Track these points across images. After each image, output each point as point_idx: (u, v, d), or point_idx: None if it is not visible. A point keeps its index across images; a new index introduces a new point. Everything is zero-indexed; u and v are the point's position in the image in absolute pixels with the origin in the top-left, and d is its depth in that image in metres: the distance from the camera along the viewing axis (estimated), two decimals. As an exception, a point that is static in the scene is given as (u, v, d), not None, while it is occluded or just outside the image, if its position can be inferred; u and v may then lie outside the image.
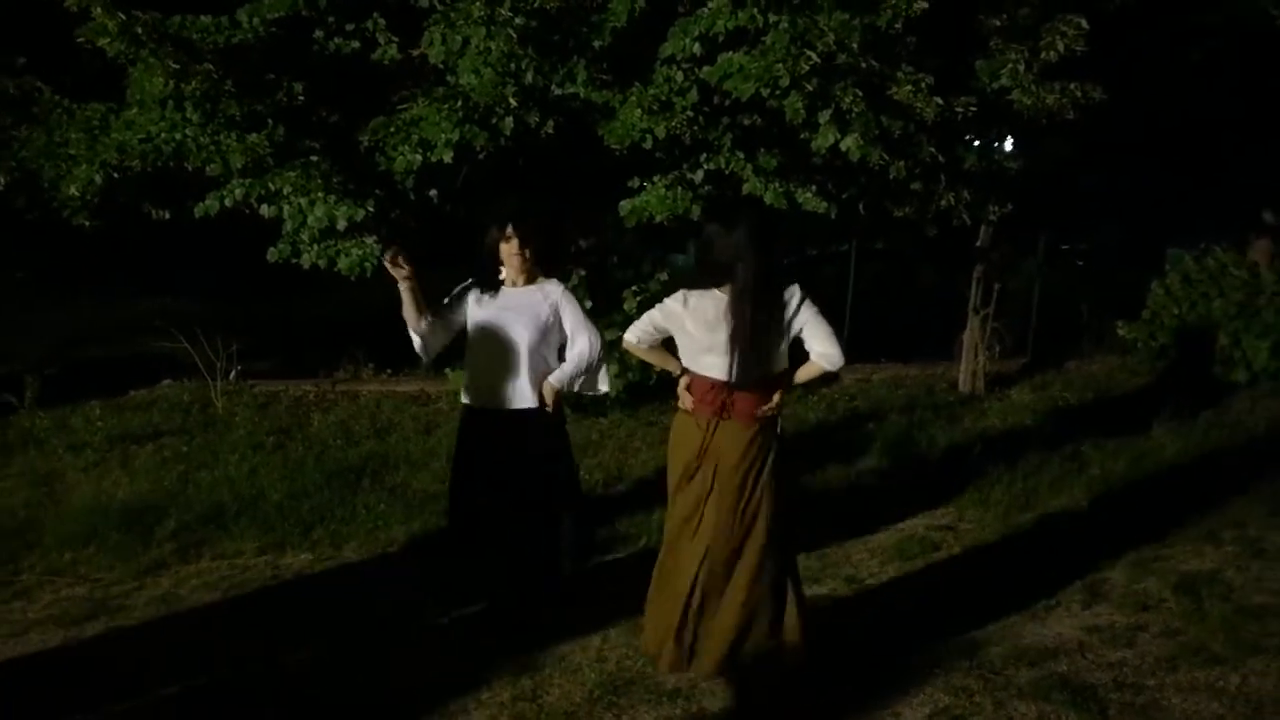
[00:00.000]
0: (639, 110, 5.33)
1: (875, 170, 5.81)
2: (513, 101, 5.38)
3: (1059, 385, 8.31)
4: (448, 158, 5.54)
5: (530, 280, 4.02)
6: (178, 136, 5.51)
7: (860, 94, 5.35)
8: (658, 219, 5.67)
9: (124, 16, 5.32)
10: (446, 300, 4.08)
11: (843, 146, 5.50)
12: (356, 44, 6.25)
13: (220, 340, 7.78)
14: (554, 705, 3.45)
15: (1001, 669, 3.68)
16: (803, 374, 3.48)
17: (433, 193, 6.25)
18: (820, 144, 5.54)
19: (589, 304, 7.01)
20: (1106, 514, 5.31)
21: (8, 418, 6.91)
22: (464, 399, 4.09)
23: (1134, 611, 4.18)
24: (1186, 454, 6.31)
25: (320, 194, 5.64)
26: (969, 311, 8.24)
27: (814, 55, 5.18)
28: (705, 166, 5.74)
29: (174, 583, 4.55)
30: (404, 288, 3.89)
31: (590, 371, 4.06)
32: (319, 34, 6.21)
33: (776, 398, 3.44)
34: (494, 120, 5.48)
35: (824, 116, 5.48)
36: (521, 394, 3.94)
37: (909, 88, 5.48)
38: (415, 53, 6.23)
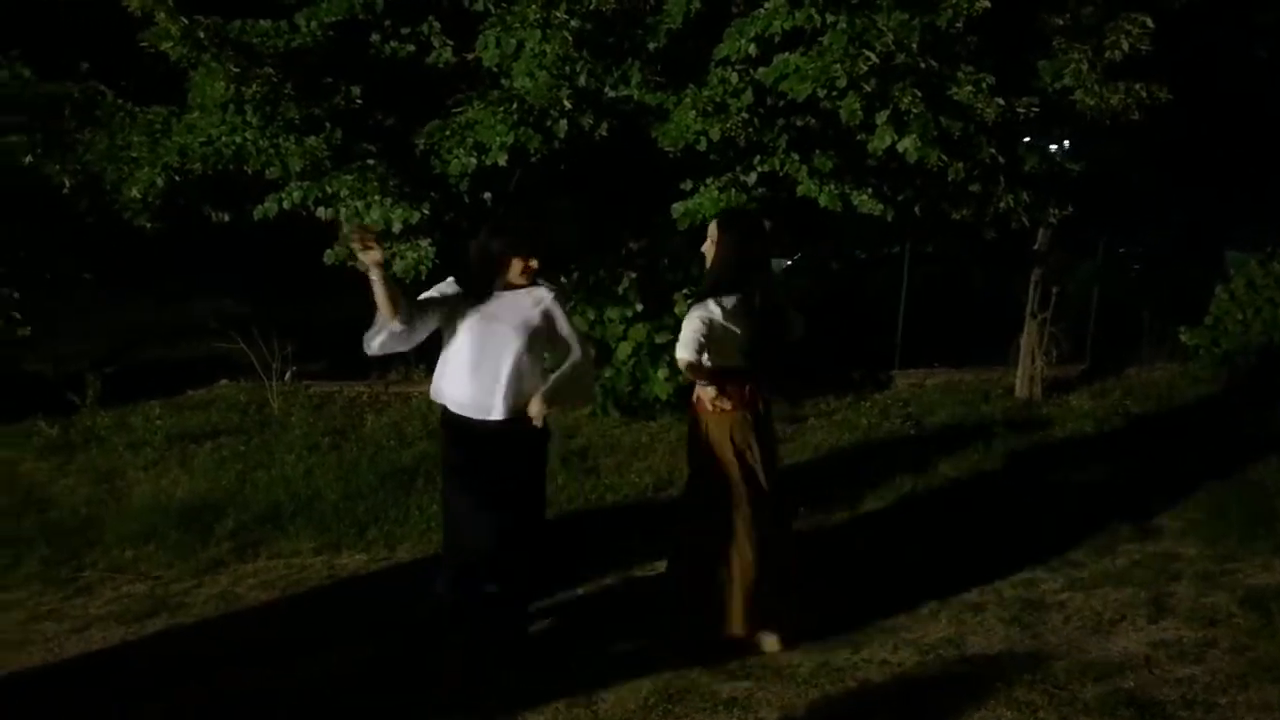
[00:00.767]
0: (693, 112, 5.30)
1: (933, 172, 5.72)
2: (567, 104, 5.38)
3: (1119, 392, 8.11)
4: (502, 160, 5.57)
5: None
6: (238, 140, 5.59)
7: (919, 94, 5.28)
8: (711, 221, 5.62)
9: (186, 21, 5.40)
10: (425, 296, 3.72)
11: (900, 148, 5.43)
12: (411, 48, 6.31)
13: (275, 341, 7.88)
14: (609, 712, 3.44)
15: (1066, 684, 3.59)
16: None
17: (486, 195, 6.27)
18: (877, 145, 5.48)
19: (639, 307, 7.03)
20: (1171, 526, 5.17)
21: (70, 416, 7.05)
22: (441, 404, 3.75)
23: (1202, 626, 4.05)
24: (1255, 466, 6.13)
25: (376, 197, 5.70)
26: (1026, 316, 8.09)
27: (872, 55, 5.12)
28: (759, 169, 5.70)
29: (232, 581, 4.61)
30: (375, 274, 3.44)
31: (578, 381, 3.80)
32: (375, 38, 6.28)
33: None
34: (548, 123, 5.49)
35: (881, 117, 5.41)
36: (503, 404, 3.59)
37: (969, 88, 5.39)
38: (469, 56, 6.26)
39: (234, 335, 7.79)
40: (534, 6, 5.34)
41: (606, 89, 5.63)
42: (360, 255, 3.41)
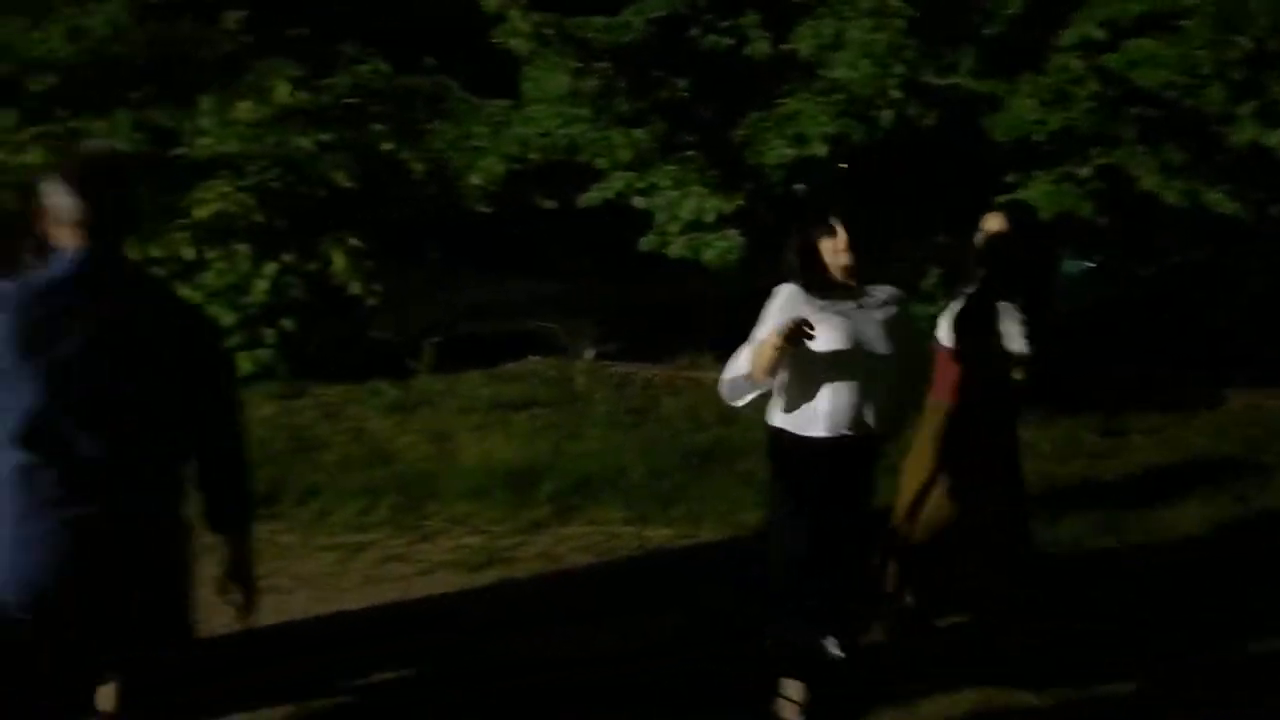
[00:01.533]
0: (1031, 100, 5.06)
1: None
2: (894, 94, 5.30)
3: None
4: (821, 151, 5.57)
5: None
6: (572, 131, 5.94)
7: (1295, 84, 4.75)
8: (1041, 216, 5.35)
9: (536, 18, 5.81)
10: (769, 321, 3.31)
11: (1268, 142, 4.91)
12: (730, 40, 6.43)
13: (581, 322, 8.33)
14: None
15: None
16: None
17: (798, 187, 6.30)
18: (1240, 139, 4.99)
19: (944, 303, 6.78)
20: None
21: (407, 380, 7.80)
22: (799, 429, 3.39)
23: None
24: None
25: (694, 187, 5.87)
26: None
27: (1243, 41, 4.65)
28: (1097, 161, 5.35)
29: (553, 541, 4.94)
30: (786, 351, 3.13)
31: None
32: (695, 31, 6.46)
33: None
34: (872, 113, 5.43)
35: (1246, 109, 4.92)
36: (879, 414, 3.29)
37: (1357, 77, 4.79)
38: (785, 48, 6.31)
39: (545, 316, 8.33)
40: (866, -6, 5.30)
41: (932, 78, 5.49)
42: (790, 343, 3.09)
